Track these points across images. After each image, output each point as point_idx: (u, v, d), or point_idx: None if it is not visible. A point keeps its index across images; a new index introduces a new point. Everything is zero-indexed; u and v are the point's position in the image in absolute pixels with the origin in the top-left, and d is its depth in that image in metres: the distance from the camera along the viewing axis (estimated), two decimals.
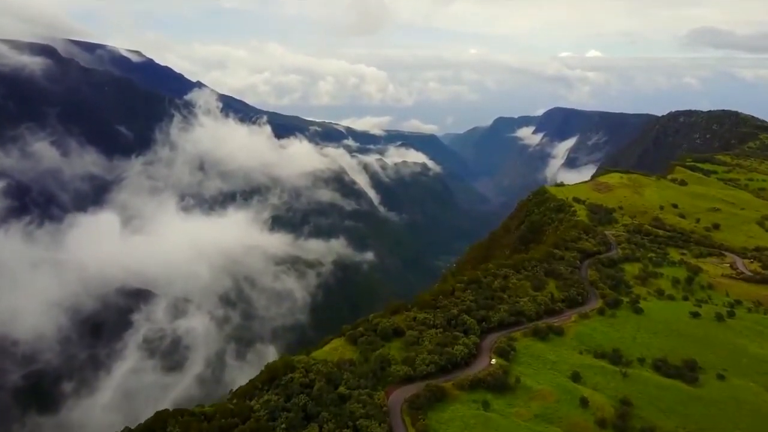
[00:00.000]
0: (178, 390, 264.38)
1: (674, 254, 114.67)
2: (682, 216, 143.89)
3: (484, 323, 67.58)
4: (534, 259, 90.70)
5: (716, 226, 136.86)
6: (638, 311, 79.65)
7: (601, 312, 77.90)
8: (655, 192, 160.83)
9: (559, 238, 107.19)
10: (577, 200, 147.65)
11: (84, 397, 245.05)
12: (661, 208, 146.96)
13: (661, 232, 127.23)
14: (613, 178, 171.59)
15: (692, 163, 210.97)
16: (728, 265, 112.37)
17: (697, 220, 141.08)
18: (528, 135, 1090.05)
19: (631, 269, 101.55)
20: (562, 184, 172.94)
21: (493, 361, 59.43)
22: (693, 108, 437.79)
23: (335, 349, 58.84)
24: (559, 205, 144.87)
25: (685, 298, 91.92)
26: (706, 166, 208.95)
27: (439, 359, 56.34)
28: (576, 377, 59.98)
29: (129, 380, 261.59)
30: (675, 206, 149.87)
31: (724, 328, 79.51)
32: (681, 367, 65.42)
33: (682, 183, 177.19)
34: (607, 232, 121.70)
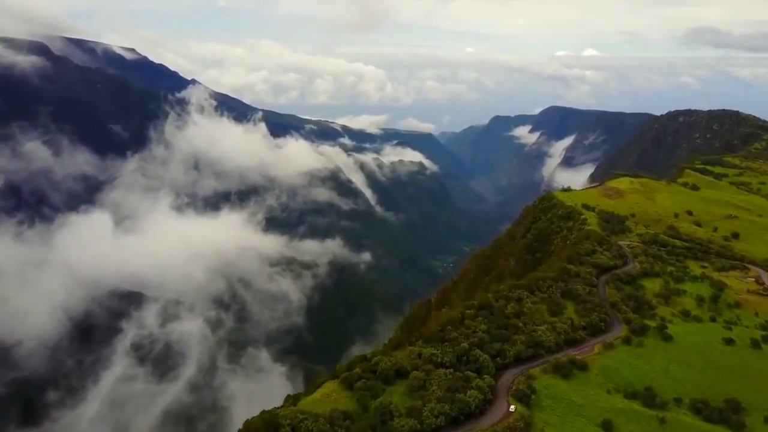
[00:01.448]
0: (168, 397, 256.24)
1: (694, 267, 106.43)
2: (698, 224, 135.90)
3: (498, 358, 59.33)
4: (548, 278, 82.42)
5: (735, 236, 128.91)
6: (667, 338, 71.44)
7: (626, 341, 69.51)
8: (667, 197, 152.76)
9: (573, 252, 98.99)
10: (586, 207, 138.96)
11: (70, 406, 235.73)
12: (676, 215, 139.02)
13: (678, 242, 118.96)
14: (623, 183, 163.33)
15: (702, 166, 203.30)
16: (753, 279, 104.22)
17: (715, 229, 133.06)
18: (525, 134, 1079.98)
19: (652, 286, 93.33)
20: (569, 189, 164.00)
21: (512, 407, 51.21)
22: (691, 107, 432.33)
23: (327, 396, 50.39)
24: (567, 213, 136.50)
25: (713, 319, 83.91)
26: (717, 169, 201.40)
27: (449, 409, 47.95)
28: (608, 426, 51.63)
29: (118, 388, 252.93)
30: (690, 213, 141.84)
31: (762, 357, 71.38)
32: (724, 410, 57.16)
33: (694, 187, 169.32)
34: (621, 243, 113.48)
